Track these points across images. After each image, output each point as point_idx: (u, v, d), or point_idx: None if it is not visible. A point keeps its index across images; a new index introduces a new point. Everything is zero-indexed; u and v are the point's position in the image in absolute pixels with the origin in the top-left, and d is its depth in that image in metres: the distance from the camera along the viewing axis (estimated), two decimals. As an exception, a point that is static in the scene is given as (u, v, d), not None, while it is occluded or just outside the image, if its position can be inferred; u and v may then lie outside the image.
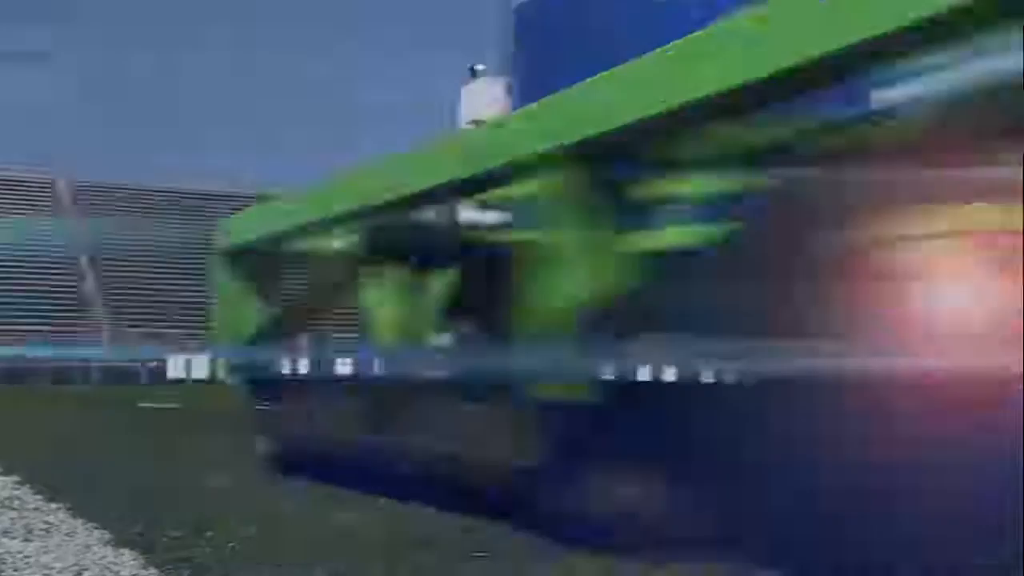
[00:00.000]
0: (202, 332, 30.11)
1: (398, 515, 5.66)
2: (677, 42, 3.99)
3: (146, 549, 4.55)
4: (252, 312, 7.92)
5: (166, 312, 32.70)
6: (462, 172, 5.26)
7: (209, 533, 5.00)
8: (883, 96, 3.99)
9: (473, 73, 28.81)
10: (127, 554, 4.46)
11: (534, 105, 4.96)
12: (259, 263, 8.05)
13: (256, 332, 7.84)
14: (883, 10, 3.15)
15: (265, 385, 7.86)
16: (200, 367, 24.96)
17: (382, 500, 6.06)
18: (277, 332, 7.91)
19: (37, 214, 41.62)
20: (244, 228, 8.37)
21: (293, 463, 7.46)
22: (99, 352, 28.67)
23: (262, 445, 7.98)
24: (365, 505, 5.98)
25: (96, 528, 5.10)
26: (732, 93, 3.70)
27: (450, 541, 4.85)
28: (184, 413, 16.96)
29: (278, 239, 7.71)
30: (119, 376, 32.49)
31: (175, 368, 25.11)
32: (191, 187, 47.07)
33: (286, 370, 7.58)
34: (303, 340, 8.31)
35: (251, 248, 8.02)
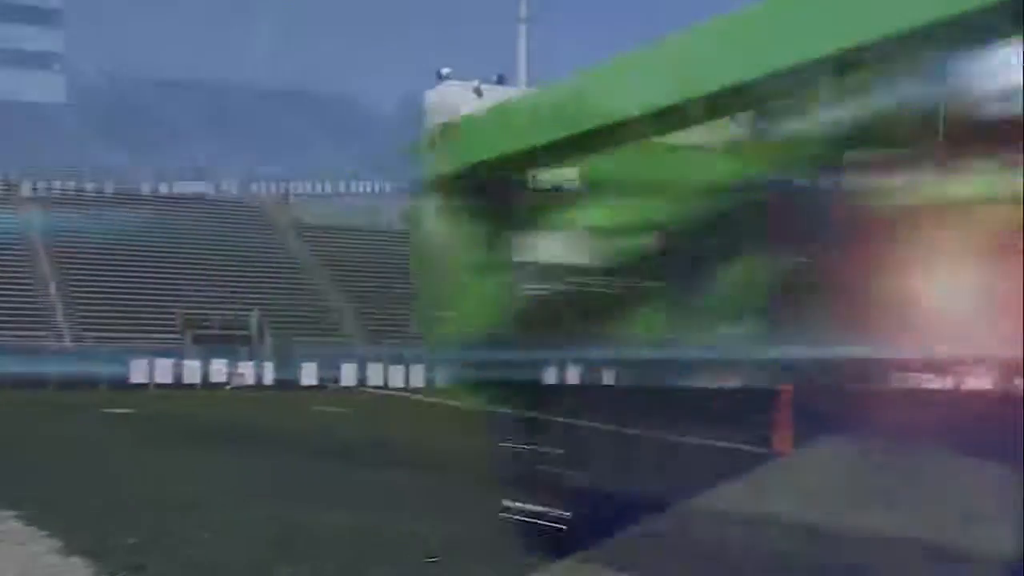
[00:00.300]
0: (164, 335, 29.81)
1: None
2: None
3: (97, 557, 4.49)
4: (495, 286, 4.49)
5: (129, 315, 32.38)
6: None
7: (165, 541, 4.95)
8: None
9: (440, 77, 28.86)
10: (77, 562, 4.40)
11: None
12: (512, 201, 4.50)
13: (504, 320, 4.49)
14: None
15: (525, 400, 4.48)
16: (164, 371, 24.66)
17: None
18: (544, 321, 4.44)
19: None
20: (483, 136, 4.55)
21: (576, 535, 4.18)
22: (61, 365, 28.18)
23: (512, 501, 4.48)
24: None
25: (47, 537, 5.03)
26: None
27: None
28: (148, 420, 16.76)
29: (564, 149, 3.98)
30: (79, 380, 31.98)
31: (138, 373, 24.76)
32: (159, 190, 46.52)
33: (563, 379, 4.63)
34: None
35: (500, 173, 4.38)
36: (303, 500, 6.31)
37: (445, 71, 28.49)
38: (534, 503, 4.32)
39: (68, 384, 27.65)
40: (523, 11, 29.70)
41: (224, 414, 15.67)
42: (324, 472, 6.66)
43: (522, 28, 30.08)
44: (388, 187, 37.19)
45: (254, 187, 39.31)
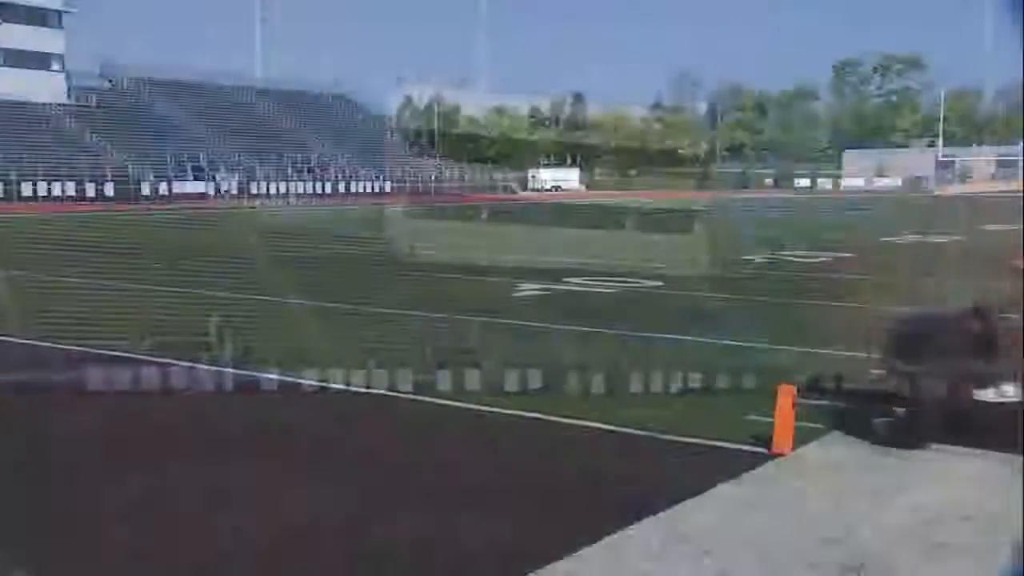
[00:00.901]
0: (122, 341, 29.48)
1: None
2: None
3: (30, 571, 4.39)
4: None
5: (86, 321, 31.95)
6: None
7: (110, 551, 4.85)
8: None
9: (400, 82, 28.94)
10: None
11: None
12: None
13: None
14: None
15: None
16: (122, 378, 24.23)
17: None
18: None
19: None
20: None
21: None
22: (18, 371, 27.73)
23: None
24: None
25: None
26: None
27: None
28: (103, 429, 16.50)
29: None
30: (36, 386, 31.37)
31: (95, 379, 24.38)
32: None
33: None
34: None
35: None
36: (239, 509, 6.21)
37: (405, 76, 28.83)
38: None
39: (24, 390, 27.29)
40: (483, 18, 29.81)
41: (179, 421, 15.50)
42: (262, 477, 6.55)
43: (481, 35, 30.27)
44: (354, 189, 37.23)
45: (227, 186, 39.42)
